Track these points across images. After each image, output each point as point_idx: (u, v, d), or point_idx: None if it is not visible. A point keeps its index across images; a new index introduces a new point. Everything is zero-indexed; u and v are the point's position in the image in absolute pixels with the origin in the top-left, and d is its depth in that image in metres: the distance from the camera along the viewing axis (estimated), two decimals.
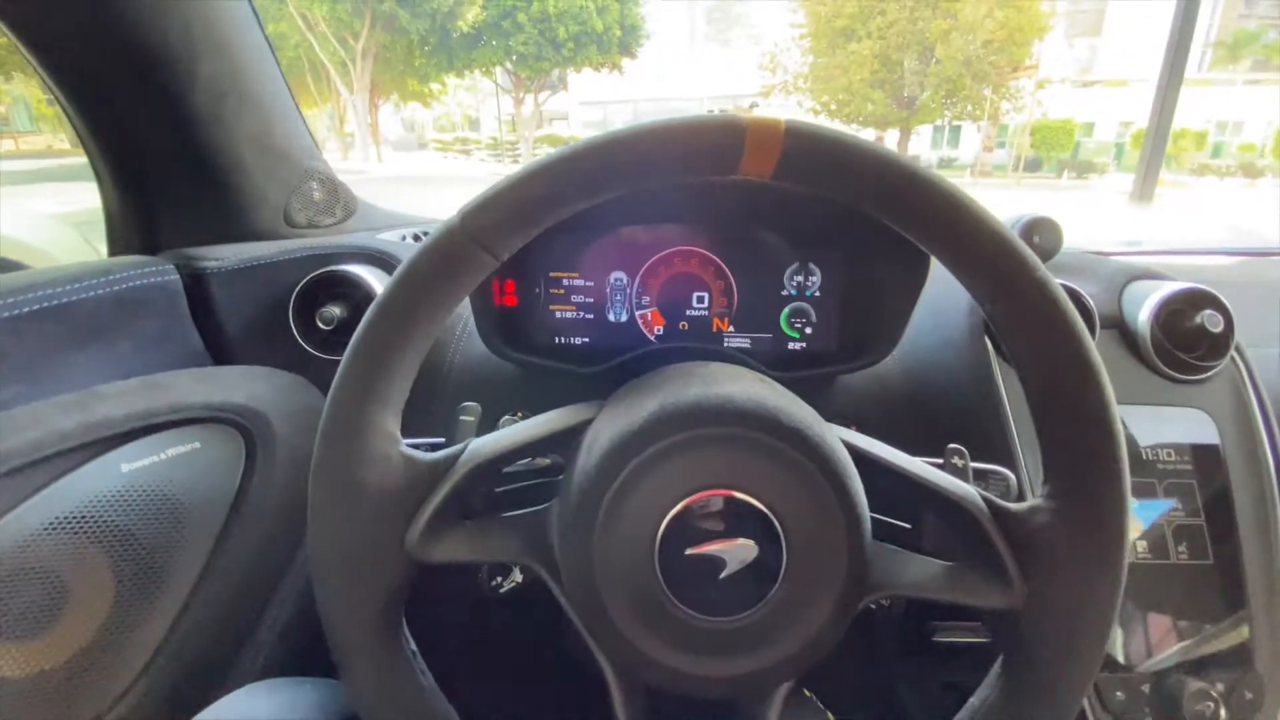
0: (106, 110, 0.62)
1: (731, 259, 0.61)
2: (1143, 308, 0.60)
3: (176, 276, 0.60)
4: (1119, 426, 0.31)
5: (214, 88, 0.62)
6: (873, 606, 0.51)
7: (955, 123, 17.19)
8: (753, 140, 0.29)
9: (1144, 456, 0.57)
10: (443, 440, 0.57)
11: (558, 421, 0.38)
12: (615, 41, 14.89)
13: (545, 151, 0.37)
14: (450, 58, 14.68)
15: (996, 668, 0.36)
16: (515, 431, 0.37)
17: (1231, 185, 14.08)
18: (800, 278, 0.61)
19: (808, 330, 0.62)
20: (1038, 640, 0.33)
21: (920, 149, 18.89)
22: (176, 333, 0.60)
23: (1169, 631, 0.55)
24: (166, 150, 0.64)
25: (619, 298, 0.62)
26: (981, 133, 17.20)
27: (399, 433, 0.34)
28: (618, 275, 0.61)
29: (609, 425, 0.34)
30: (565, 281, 0.61)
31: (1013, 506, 0.34)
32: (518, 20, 14.12)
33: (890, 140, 15.54)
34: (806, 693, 0.61)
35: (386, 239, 0.72)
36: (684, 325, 0.63)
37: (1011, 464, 0.55)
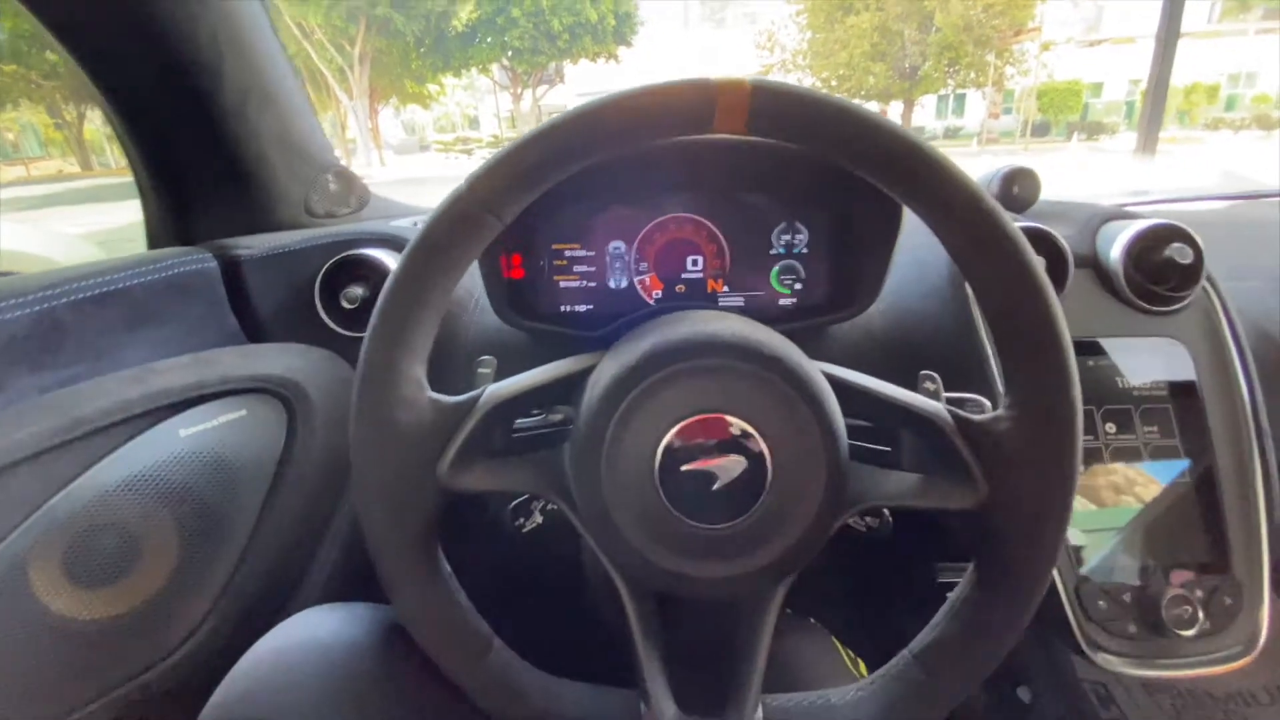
0: (148, 119, 0.68)
1: (722, 222, 0.63)
2: (1114, 245, 0.62)
3: (215, 264, 0.65)
4: (1066, 338, 0.34)
5: (238, 87, 0.68)
6: (862, 529, 0.56)
7: (959, 91, 16.76)
8: (723, 99, 0.33)
9: (1121, 385, 0.61)
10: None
11: (565, 367, 0.42)
12: (609, 31, 14.75)
13: None
14: (447, 57, 14.64)
15: (970, 567, 0.40)
16: (528, 376, 0.41)
17: (1246, 138, 13.66)
18: (788, 236, 0.63)
19: (797, 286, 0.64)
20: (1002, 533, 0.37)
21: (925, 120, 18.43)
22: (216, 315, 0.65)
23: (1148, 541, 0.58)
24: (199, 151, 0.71)
25: (618, 265, 0.65)
26: (986, 100, 16.76)
27: (426, 380, 0.38)
28: (616, 244, 0.64)
29: (610, 366, 0.38)
30: (568, 253, 0.64)
31: (976, 417, 0.38)
32: (512, 15, 14.02)
33: (894, 112, 15.22)
34: (812, 620, 0.66)
35: (399, 224, 0.77)
36: (680, 288, 0.65)
37: (991, 396, 0.58)
